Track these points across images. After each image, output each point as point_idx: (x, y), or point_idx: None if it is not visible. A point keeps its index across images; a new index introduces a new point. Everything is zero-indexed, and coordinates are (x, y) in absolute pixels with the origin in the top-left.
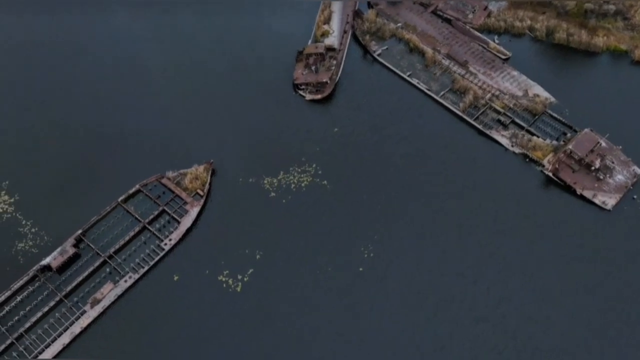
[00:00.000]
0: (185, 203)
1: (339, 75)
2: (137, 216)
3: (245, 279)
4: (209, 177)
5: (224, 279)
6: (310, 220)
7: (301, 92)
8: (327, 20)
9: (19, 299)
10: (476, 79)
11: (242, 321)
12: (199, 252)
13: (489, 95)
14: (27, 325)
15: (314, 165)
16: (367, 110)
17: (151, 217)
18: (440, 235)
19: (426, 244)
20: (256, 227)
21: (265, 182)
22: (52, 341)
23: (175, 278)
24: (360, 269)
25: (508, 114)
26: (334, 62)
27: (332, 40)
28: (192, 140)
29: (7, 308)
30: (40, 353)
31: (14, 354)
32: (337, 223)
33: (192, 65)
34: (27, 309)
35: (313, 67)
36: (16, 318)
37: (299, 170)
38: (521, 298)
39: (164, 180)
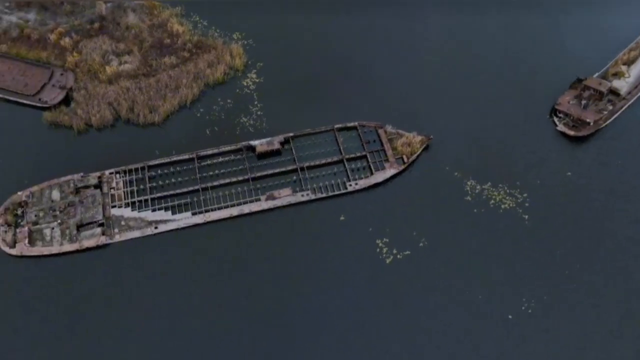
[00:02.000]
0: (387, 160)
1: (606, 123)
2: (341, 148)
3: (398, 256)
4: (420, 150)
5: (380, 245)
6: (489, 242)
7: (556, 120)
8: (629, 62)
9: (220, 159)
10: None
11: (375, 289)
12: (373, 208)
13: None
14: (215, 183)
15: (524, 195)
16: (615, 172)
17: (352, 155)
18: (618, 339)
19: (595, 338)
20: (436, 218)
21: (469, 183)
22: (224, 207)
23: (342, 218)
24: (510, 317)
25: None
26: (610, 107)
27: (622, 85)
28: (425, 109)
29: (208, 161)
30: (211, 210)
31: (195, 199)
32: (514, 261)
33: (465, 49)
34: (221, 171)
35: (583, 102)
36: (210, 173)
37: (507, 191)
38: None
39: (380, 131)
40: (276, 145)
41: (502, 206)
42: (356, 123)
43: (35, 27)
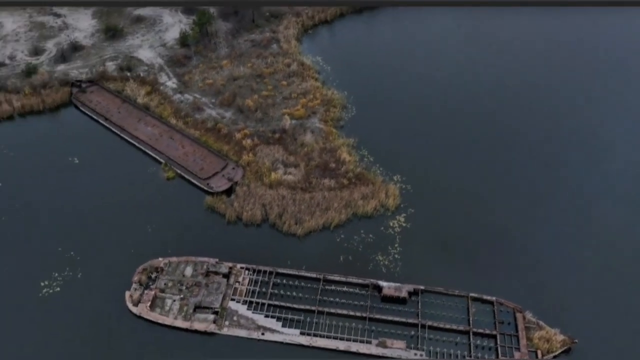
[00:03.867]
0: (518, 349)
1: None
2: (471, 319)
3: None
4: (559, 351)
5: None
6: None
7: None
8: None
9: (344, 289)
10: None
11: None
12: None
13: None
14: (332, 310)
15: None
16: None
17: (480, 330)
18: None
19: None
20: None
21: None
22: (333, 337)
23: None
24: None
25: None
26: None
27: None
28: (576, 305)
29: (333, 287)
30: (319, 336)
31: (308, 319)
32: None
33: (633, 253)
34: (342, 300)
35: None
36: (331, 299)
37: None
38: None
39: (519, 315)
40: (403, 293)
41: None
42: (494, 298)
43: (227, 124)
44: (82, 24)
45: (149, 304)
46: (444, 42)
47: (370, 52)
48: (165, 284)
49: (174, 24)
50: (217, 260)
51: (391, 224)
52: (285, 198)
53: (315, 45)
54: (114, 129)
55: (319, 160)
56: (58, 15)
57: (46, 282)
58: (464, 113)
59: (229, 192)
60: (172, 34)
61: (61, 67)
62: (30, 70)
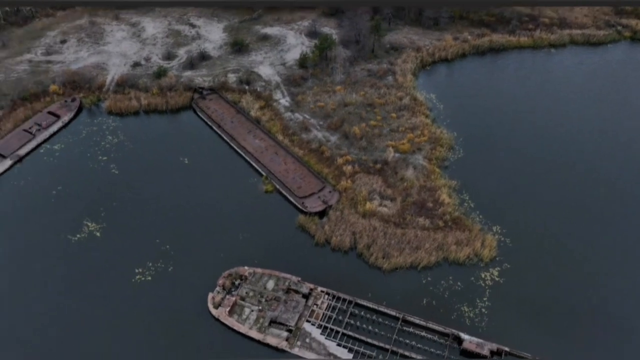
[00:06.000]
0: None
1: None
2: None
3: None
4: None
5: None
6: None
7: None
8: None
9: (422, 333)
10: None
11: None
12: None
13: None
14: (406, 353)
15: None
16: None
17: None
18: None
19: None
20: None
21: None
22: None
23: None
24: None
25: None
26: None
27: None
28: None
29: (411, 329)
30: None
31: (381, 357)
32: None
33: None
34: (418, 345)
35: None
36: (407, 341)
37: None
38: None
39: None
40: (485, 351)
41: None
42: None
43: (331, 147)
44: (214, 36)
45: (228, 309)
46: (569, 93)
47: (487, 95)
48: (246, 293)
49: (297, 45)
50: (299, 279)
51: (483, 276)
52: (377, 230)
53: (431, 82)
54: (224, 137)
55: (416, 198)
56: (193, 26)
57: (140, 270)
58: (580, 171)
59: (322, 214)
60: (293, 55)
61: (188, 73)
62: (160, 73)
